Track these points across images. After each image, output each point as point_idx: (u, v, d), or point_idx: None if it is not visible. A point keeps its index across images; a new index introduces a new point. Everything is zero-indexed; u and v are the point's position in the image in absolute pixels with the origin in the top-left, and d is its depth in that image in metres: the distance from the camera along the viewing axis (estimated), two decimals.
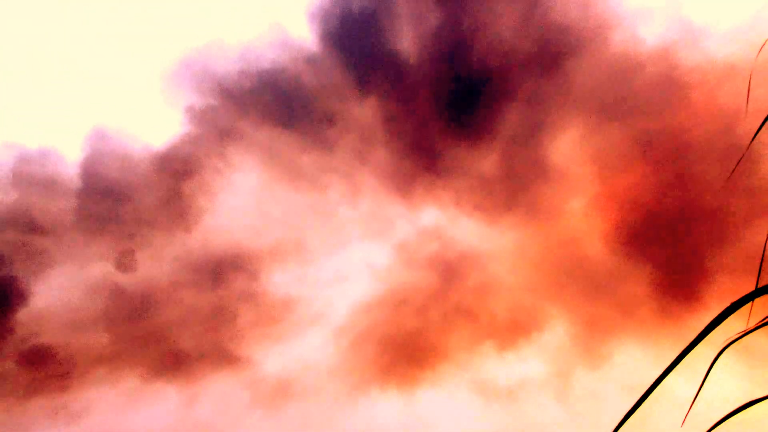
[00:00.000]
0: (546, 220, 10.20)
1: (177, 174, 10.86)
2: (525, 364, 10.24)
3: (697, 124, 9.87)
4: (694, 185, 9.64)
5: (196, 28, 10.99)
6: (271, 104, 10.56)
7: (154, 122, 11.17)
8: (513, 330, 10.28)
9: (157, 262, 10.81)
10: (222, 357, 10.58)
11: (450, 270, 10.44)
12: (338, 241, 10.78)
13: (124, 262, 10.78)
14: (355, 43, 10.22)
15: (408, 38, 10.38)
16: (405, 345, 10.39)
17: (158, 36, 11.08)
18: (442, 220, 10.46)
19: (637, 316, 9.85)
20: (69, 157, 11.17)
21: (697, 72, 10.06)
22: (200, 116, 10.86)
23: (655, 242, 9.80)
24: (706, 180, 9.54)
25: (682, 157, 9.78)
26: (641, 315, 9.83)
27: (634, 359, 9.86)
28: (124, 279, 10.84)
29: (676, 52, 10.13)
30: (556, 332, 10.17)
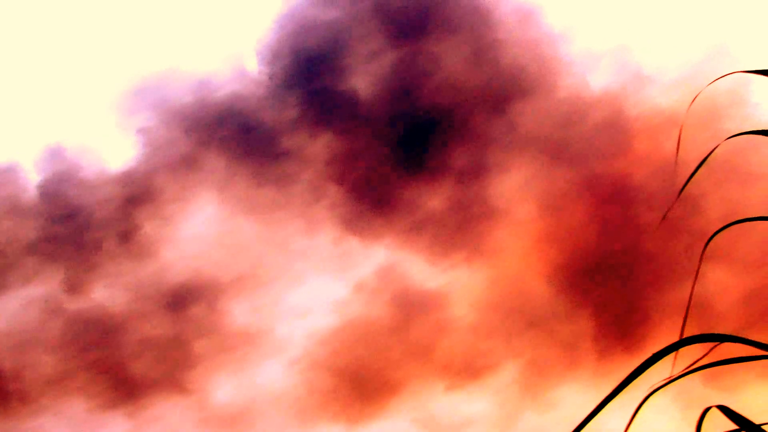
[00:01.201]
0: (493, 260, 10.31)
1: (133, 200, 10.82)
2: (472, 405, 10.30)
3: (639, 170, 10.07)
4: (635, 229, 9.82)
5: (152, 54, 10.99)
6: (228, 136, 10.58)
7: (109, 145, 11.11)
8: (461, 369, 10.33)
9: (111, 289, 10.72)
10: (174, 387, 10.52)
11: (403, 306, 10.50)
12: (295, 275, 10.79)
13: (77, 288, 10.70)
14: (309, 79, 10.31)
15: (361, 77, 10.48)
16: (357, 380, 10.41)
17: (111, 58, 11.06)
18: (396, 257, 10.54)
19: (582, 359, 9.97)
20: (22, 177, 11.08)
21: (640, 118, 10.28)
22: (156, 142, 10.85)
23: (599, 284, 9.95)
24: (647, 224, 9.73)
25: (623, 201, 9.96)
26: (586, 358, 9.96)
27: (579, 403, 9.98)
28: (76, 305, 10.76)
29: (621, 98, 10.34)
30: (504, 373, 10.25)
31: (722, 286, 9.80)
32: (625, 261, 9.79)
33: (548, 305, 10.10)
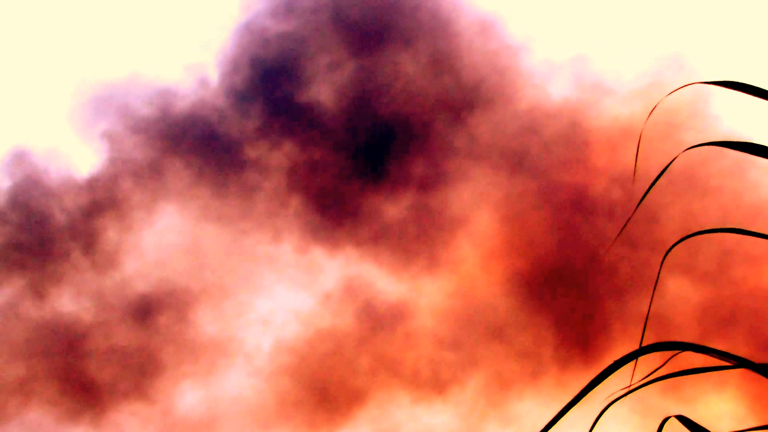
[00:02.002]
0: (454, 269, 10.31)
1: (98, 207, 10.72)
2: (435, 416, 10.29)
3: (598, 180, 10.12)
4: (594, 239, 9.86)
5: (114, 62, 10.90)
6: (191, 145, 10.52)
7: (73, 152, 10.99)
8: (424, 380, 10.33)
9: (76, 297, 10.61)
10: (138, 395, 10.43)
11: (366, 316, 10.48)
12: (259, 284, 10.74)
13: (42, 296, 10.58)
14: (270, 90, 10.27)
15: (323, 87, 10.46)
16: (321, 389, 10.37)
17: (72, 65, 10.95)
18: (358, 266, 10.52)
19: (543, 370, 9.99)
20: None
21: (599, 128, 10.33)
22: (120, 150, 10.75)
23: (559, 294, 9.97)
24: (606, 234, 9.77)
25: (583, 211, 10.00)
26: (547, 368, 9.98)
27: (541, 415, 9.99)
28: (40, 312, 10.64)
29: (580, 108, 10.39)
30: (467, 384, 10.25)
31: (680, 295, 9.87)
32: (585, 271, 9.83)
33: (509, 315, 10.11)
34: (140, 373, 10.50)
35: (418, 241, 10.34)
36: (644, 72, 10.54)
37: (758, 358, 10.19)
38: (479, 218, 10.32)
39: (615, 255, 9.71)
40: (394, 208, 10.43)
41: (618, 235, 9.67)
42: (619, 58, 10.63)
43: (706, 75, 10.41)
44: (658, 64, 10.52)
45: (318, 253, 10.53)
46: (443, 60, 10.44)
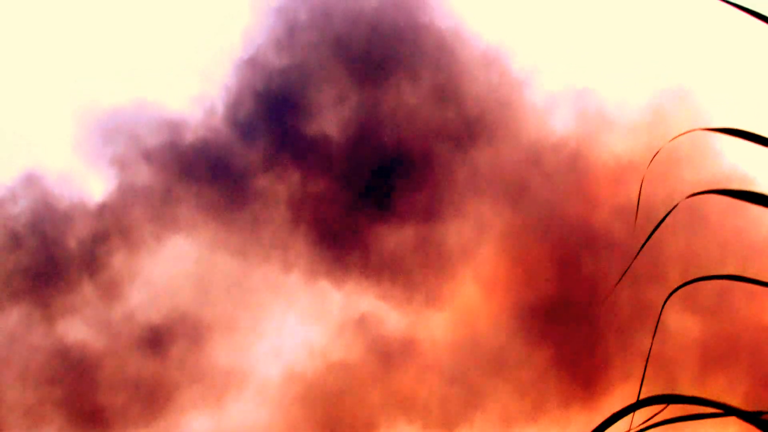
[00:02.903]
0: (458, 304, 10.33)
1: (107, 234, 10.74)
2: None
3: (599, 214, 10.13)
4: (594, 273, 9.86)
5: (122, 87, 10.93)
6: (199, 175, 10.56)
7: (82, 178, 11.00)
8: (428, 414, 10.32)
9: (85, 325, 10.62)
10: (146, 425, 10.41)
11: (372, 348, 10.48)
12: (266, 315, 10.76)
13: (51, 322, 10.58)
14: (276, 123, 10.31)
15: (327, 119, 10.50)
16: (329, 420, 10.37)
17: (77, 87, 10.98)
18: (365, 299, 10.53)
19: (544, 408, 9.98)
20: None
21: (602, 162, 10.35)
22: (129, 181, 10.78)
23: (561, 331, 9.97)
24: (606, 270, 9.77)
25: (585, 245, 10.00)
26: (549, 406, 9.97)
27: None
28: (48, 340, 10.64)
29: (583, 142, 10.41)
30: (469, 422, 10.24)
31: (680, 329, 9.86)
32: (587, 305, 9.82)
33: (511, 350, 10.10)
34: (149, 402, 10.49)
35: (423, 273, 10.34)
36: (647, 105, 10.56)
37: (756, 393, 10.17)
38: (482, 251, 10.32)
39: (616, 294, 9.69)
40: (397, 240, 10.44)
41: (619, 281, 9.66)
42: (622, 91, 10.66)
43: (709, 108, 10.43)
44: (661, 97, 10.54)
45: (324, 285, 10.53)
46: (447, 92, 10.47)
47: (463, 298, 10.45)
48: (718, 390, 9.94)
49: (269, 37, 10.67)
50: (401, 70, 10.66)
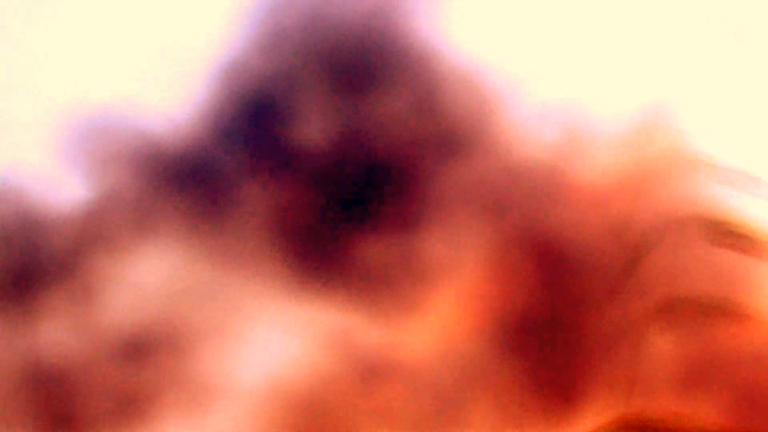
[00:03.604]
0: (438, 321, 10.31)
1: (86, 240, 10.68)
2: None
3: (584, 230, 10.12)
4: (578, 292, 9.84)
5: (98, 91, 10.89)
6: (182, 181, 10.53)
7: (57, 183, 10.95)
8: (415, 428, 10.30)
9: (60, 332, 10.56)
10: None
11: (357, 362, 10.45)
12: (243, 328, 10.72)
13: (24, 332, 10.51)
14: (255, 130, 10.28)
15: (310, 128, 10.48)
16: None
17: (53, 89, 10.94)
18: (345, 314, 10.50)
19: (525, 424, 9.94)
20: None
21: (587, 178, 10.34)
22: (105, 186, 10.74)
23: (541, 347, 9.95)
24: (591, 289, 9.75)
25: (568, 262, 9.99)
26: (529, 423, 9.93)
27: None
28: (26, 347, 10.58)
29: (567, 156, 10.40)
30: None
31: (663, 348, 9.84)
32: (569, 322, 9.81)
33: (492, 365, 10.07)
34: (126, 413, 10.42)
35: (404, 285, 10.31)
36: (633, 119, 10.55)
37: (737, 410, 10.16)
38: (464, 264, 10.29)
39: (598, 313, 9.70)
40: (379, 252, 10.41)
41: (605, 297, 9.67)
42: (609, 105, 10.65)
43: (694, 122, 10.44)
44: (647, 112, 10.53)
45: (305, 296, 10.50)
46: (430, 103, 10.45)
47: (445, 311, 10.41)
48: (698, 407, 9.93)
49: (252, 42, 10.65)
50: (384, 80, 10.64)
